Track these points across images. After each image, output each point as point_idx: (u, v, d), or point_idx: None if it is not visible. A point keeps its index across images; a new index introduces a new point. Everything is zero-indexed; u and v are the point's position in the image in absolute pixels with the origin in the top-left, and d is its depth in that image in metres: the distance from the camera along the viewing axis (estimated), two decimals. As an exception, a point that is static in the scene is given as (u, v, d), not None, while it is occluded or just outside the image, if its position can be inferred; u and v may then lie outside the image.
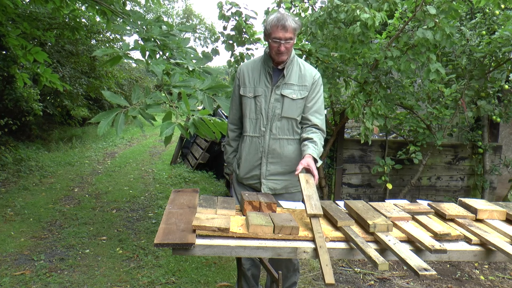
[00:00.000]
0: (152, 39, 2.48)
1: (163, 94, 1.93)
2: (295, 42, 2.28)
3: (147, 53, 2.33)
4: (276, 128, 2.31)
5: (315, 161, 2.12)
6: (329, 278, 1.37)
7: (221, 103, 2.03)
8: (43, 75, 4.33)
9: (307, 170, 2.07)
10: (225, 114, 2.55)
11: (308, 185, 1.96)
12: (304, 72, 2.32)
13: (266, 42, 2.31)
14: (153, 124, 1.97)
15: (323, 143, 2.27)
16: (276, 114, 2.30)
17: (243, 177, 2.43)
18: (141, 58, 2.32)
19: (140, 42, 2.42)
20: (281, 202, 2.16)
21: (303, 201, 1.87)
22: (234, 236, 1.62)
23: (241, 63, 2.48)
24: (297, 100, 2.30)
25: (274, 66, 2.31)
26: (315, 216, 1.75)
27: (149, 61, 2.13)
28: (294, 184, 2.41)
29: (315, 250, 1.61)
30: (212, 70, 2.46)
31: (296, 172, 2.05)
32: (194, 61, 2.42)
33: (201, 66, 2.37)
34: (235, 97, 2.43)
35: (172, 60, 2.32)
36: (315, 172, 2.05)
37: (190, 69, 2.30)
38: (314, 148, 2.16)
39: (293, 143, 2.34)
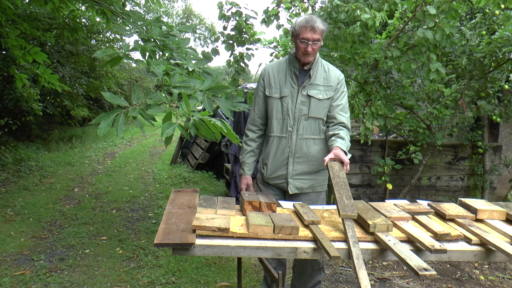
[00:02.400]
0: (152, 40, 2.48)
1: (163, 95, 1.93)
2: (322, 44, 2.31)
3: (147, 53, 2.33)
4: (303, 128, 2.33)
5: (344, 153, 2.12)
6: None
7: (220, 104, 2.02)
8: (42, 76, 4.32)
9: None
10: (225, 115, 2.55)
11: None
12: (328, 73, 2.35)
13: (294, 43, 2.32)
14: (153, 124, 1.96)
15: (349, 139, 2.28)
16: (302, 115, 2.32)
17: (269, 177, 2.44)
18: (141, 58, 2.32)
19: (140, 42, 2.42)
20: (281, 202, 2.16)
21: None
22: (234, 236, 1.63)
23: (265, 65, 2.50)
24: (324, 101, 2.32)
25: (300, 67, 2.33)
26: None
27: (150, 62, 2.12)
28: (320, 183, 2.43)
29: (315, 250, 1.61)
30: (211, 70, 2.45)
31: (325, 162, 2.04)
32: (193, 61, 2.41)
33: (201, 67, 2.36)
34: (258, 98, 2.44)
35: (172, 61, 2.32)
36: (346, 160, 2.04)
37: (190, 69, 2.30)
38: (342, 142, 2.17)
39: (320, 143, 2.37)
